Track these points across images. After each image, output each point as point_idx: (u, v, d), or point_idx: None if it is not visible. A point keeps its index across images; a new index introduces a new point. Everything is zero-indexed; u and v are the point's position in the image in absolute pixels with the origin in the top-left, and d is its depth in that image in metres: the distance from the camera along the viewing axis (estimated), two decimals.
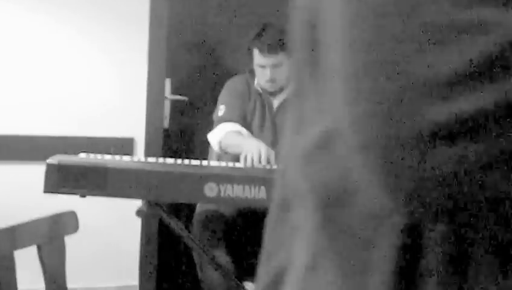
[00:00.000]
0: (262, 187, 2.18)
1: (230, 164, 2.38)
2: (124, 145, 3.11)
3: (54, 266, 1.55)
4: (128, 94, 3.14)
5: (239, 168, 2.33)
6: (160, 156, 2.91)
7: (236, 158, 2.57)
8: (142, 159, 2.44)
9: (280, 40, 2.57)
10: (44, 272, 1.53)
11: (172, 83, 3.34)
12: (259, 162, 2.29)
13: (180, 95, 3.35)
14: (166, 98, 3.28)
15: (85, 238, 3.05)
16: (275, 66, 2.59)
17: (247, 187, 2.18)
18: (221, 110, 2.71)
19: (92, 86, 3.10)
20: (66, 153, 2.53)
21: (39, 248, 1.50)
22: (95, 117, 3.11)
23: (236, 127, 2.62)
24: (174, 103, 3.37)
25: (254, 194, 2.18)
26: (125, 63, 3.11)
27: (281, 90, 2.69)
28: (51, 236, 1.54)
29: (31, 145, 2.99)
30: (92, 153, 2.51)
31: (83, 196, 2.21)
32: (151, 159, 2.42)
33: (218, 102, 2.78)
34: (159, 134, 3.17)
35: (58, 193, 2.21)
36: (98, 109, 3.11)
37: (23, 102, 3.00)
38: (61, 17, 2.99)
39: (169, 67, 3.22)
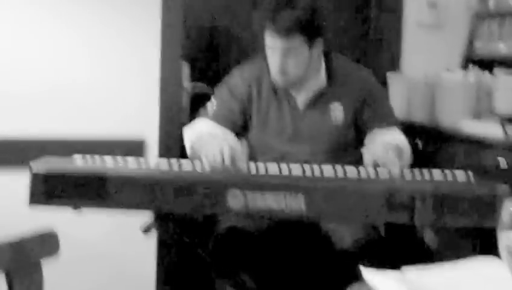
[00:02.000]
0: (300, 196, 1.88)
1: (261, 168, 1.96)
2: (132, 145, 2.79)
3: None
4: (137, 85, 2.84)
5: (271, 173, 2.00)
6: (177, 157, 2.49)
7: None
8: (151, 161, 2.06)
9: (297, 19, 2.17)
10: None
11: (191, 70, 3.08)
12: (222, 162, 2.00)
13: (201, 82, 3.11)
14: (183, 87, 3.01)
15: (86, 261, 2.75)
16: (287, 52, 2.21)
17: (280, 196, 1.89)
18: (212, 103, 2.41)
19: (92, 78, 2.81)
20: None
21: (7, 275, 1.37)
22: (95, 114, 2.81)
23: (216, 129, 2.32)
24: (195, 93, 3.14)
25: (289, 204, 1.89)
26: (133, 50, 2.83)
27: (300, 83, 2.29)
28: (23, 260, 1.40)
29: (17, 149, 2.71)
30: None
31: (77, 208, 1.95)
32: (162, 163, 2.03)
33: (216, 90, 2.47)
34: (175, 130, 2.85)
35: (46, 204, 1.95)
36: (100, 105, 2.82)
37: (8, 97, 2.73)
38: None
39: (187, 51, 3.01)
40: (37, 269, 1.42)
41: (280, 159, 2.29)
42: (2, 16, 2.70)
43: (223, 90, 2.41)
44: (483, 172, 2.30)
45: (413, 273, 1.10)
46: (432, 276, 1.09)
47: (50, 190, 1.91)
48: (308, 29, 2.20)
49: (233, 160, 2.01)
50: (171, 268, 2.94)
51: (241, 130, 2.36)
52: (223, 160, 2.00)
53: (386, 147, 2.08)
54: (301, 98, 2.35)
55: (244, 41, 3.17)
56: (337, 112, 2.33)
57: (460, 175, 2.02)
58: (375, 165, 2.00)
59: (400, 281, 1.09)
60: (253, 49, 2.67)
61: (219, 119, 2.34)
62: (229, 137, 2.24)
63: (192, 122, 2.42)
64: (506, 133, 2.38)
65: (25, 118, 2.74)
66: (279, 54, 2.22)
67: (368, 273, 1.12)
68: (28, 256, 1.41)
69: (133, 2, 2.80)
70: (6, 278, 1.37)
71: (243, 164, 2.05)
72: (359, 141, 2.31)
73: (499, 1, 3.13)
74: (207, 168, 2.02)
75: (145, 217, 2.02)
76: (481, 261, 1.18)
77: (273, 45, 2.23)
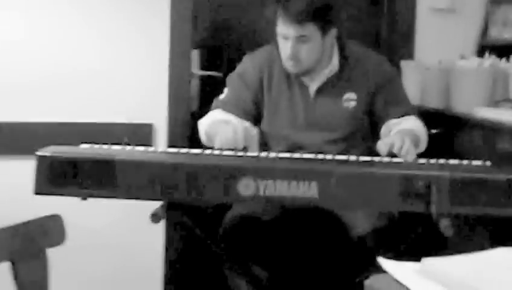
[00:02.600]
0: (313, 183, 1.83)
1: (272, 154, 1.92)
2: (140, 134, 2.74)
3: (34, 287, 1.38)
4: (146, 70, 2.80)
5: (283, 159, 1.94)
6: (186, 146, 2.46)
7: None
8: (160, 149, 2.02)
9: (311, 6, 2.13)
10: None
11: (201, 56, 3.02)
12: (235, 144, 1.99)
13: (212, 70, 3.00)
14: (193, 74, 2.97)
15: (94, 250, 2.72)
16: (299, 40, 2.17)
17: (293, 183, 1.84)
18: (224, 93, 2.38)
19: (102, 63, 2.77)
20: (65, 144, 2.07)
21: (13, 263, 1.34)
22: (103, 99, 2.77)
23: (230, 118, 2.27)
24: (204, 80, 3.06)
25: (302, 191, 1.83)
26: (143, 35, 2.80)
27: (312, 70, 2.24)
28: (28, 248, 1.37)
29: (22, 135, 2.67)
30: (97, 143, 2.04)
31: (84, 198, 1.91)
32: (172, 150, 1.99)
33: (227, 79, 2.43)
34: (184, 118, 2.83)
35: (52, 194, 1.91)
36: (107, 89, 2.78)
37: (14, 83, 2.71)
38: None
39: (197, 36, 2.94)
40: (42, 257, 1.40)
41: (292, 147, 2.26)
42: (13, 3, 2.67)
43: (234, 79, 2.37)
44: (500, 159, 2.26)
45: (433, 265, 1.06)
46: (453, 267, 1.05)
47: (56, 178, 1.86)
48: (322, 17, 2.15)
49: (246, 142, 1.98)
50: (179, 258, 2.91)
51: (254, 118, 2.32)
52: (236, 140, 1.96)
53: (401, 134, 2.03)
54: (313, 86, 2.30)
55: (255, 28, 3.13)
56: (350, 99, 2.28)
57: (477, 163, 1.98)
58: (391, 155, 1.96)
59: (420, 272, 1.05)
60: (264, 36, 2.62)
61: (232, 108, 2.31)
62: (243, 123, 2.20)
63: (206, 114, 2.39)
64: None
65: (33, 104, 2.71)
66: (291, 41, 2.17)
67: (388, 265, 1.08)
68: (33, 243, 1.38)
69: None
70: (11, 266, 1.35)
71: (254, 148, 2.02)
72: (374, 131, 2.26)
73: None
74: (220, 150, 1.98)
75: (153, 206, 1.98)
76: (503, 252, 1.14)
77: (285, 32, 2.18)
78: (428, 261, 1.07)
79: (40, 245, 1.39)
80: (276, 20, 2.20)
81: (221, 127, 2.09)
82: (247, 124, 2.24)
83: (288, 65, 2.24)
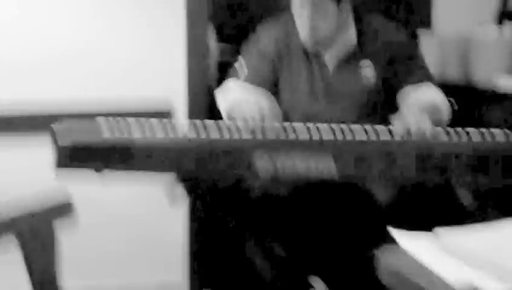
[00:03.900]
0: (329, 157, 1.84)
1: (289, 129, 1.90)
2: (160, 112, 2.73)
3: (40, 260, 1.40)
4: (163, 45, 2.78)
5: (298, 135, 1.93)
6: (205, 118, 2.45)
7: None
8: (178, 125, 2.04)
9: None
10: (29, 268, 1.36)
11: (217, 30, 2.90)
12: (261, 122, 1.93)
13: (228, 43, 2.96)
14: (210, 48, 2.90)
15: (114, 227, 2.74)
16: (316, 8, 2.15)
17: (309, 158, 1.84)
18: (242, 66, 2.33)
19: (116, 42, 2.74)
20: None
21: (19, 237, 1.36)
22: (120, 80, 2.75)
23: (249, 92, 2.24)
24: (222, 55, 3.04)
25: (319, 166, 1.84)
26: (158, 8, 2.75)
27: (329, 42, 2.22)
28: (35, 222, 1.38)
29: (43, 117, 2.65)
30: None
31: (99, 170, 1.87)
32: (189, 127, 2.01)
33: (242, 52, 2.38)
34: (203, 94, 2.81)
35: (70, 167, 1.84)
36: (126, 70, 2.76)
37: (30, 62, 2.70)
38: None
39: (212, 12, 2.90)
40: (49, 229, 1.40)
41: (311, 119, 2.24)
42: None
43: (251, 50, 2.34)
44: None
45: (446, 235, 1.04)
46: (466, 237, 1.04)
47: (74, 153, 1.83)
48: None
49: (270, 119, 1.95)
50: (202, 234, 2.92)
51: (274, 88, 2.30)
52: (262, 120, 1.93)
53: (417, 110, 1.99)
54: (331, 57, 2.28)
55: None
56: (368, 70, 2.26)
57: (498, 133, 1.94)
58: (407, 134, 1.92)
59: (433, 242, 1.04)
60: (278, 6, 2.59)
61: (251, 79, 2.27)
62: (264, 99, 2.18)
63: (223, 84, 2.37)
64: None
65: (50, 86, 2.72)
66: (307, 10, 2.15)
67: (399, 235, 1.07)
68: (39, 218, 1.39)
69: None
70: (18, 240, 1.36)
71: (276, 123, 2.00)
72: (392, 101, 2.23)
73: None
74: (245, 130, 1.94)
75: (172, 186, 1.98)
76: None
77: (299, 7, 2.16)
78: (441, 231, 1.06)
79: (47, 217, 1.40)
80: None
81: (245, 110, 2.03)
82: (268, 95, 2.22)
83: (307, 37, 2.22)
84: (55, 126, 1.87)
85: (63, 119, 1.95)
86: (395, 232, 1.07)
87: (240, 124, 1.94)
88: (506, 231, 1.08)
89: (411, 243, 1.04)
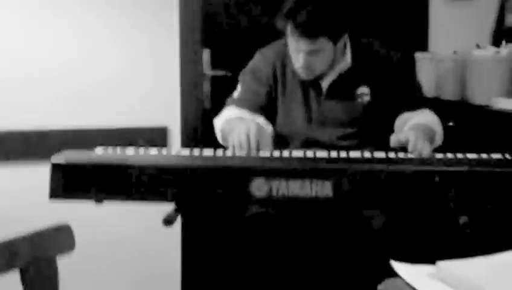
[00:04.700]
0: (327, 183, 1.79)
1: (285, 153, 1.89)
2: (156, 136, 2.74)
3: None
4: (158, 74, 2.80)
5: (296, 159, 1.93)
6: (200, 147, 2.44)
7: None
8: (174, 151, 2.01)
9: (321, 20, 2.07)
10: None
11: (212, 56, 2.97)
12: (248, 142, 1.94)
13: (223, 69, 2.98)
14: (205, 74, 2.95)
15: (112, 252, 2.72)
16: (311, 53, 2.14)
17: (307, 183, 1.81)
18: (237, 90, 2.36)
19: (111, 67, 2.70)
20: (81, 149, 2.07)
21: (22, 272, 1.34)
22: (117, 104, 2.78)
23: (244, 114, 2.23)
24: (215, 80, 3.07)
25: (316, 191, 1.80)
26: (151, 35, 2.76)
27: (324, 74, 2.24)
28: (38, 257, 1.37)
29: (38, 141, 2.68)
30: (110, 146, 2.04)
31: (99, 201, 1.89)
32: (184, 152, 1.97)
33: (240, 76, 2.40)
34: (198, 119, 2.83)
35: (67, 198, 1.90)
36: (122, 94, 2.78)
37: (28, 90, 2.71)
38: None
39: (208, 36, 2.92)
40: (52, 266, 1.39)
41: (307, 143, 2.23)
42: (34, 18, 2.67)
43: (247, 75, 2.35)
44: None
45: (448, 268, 1.03)
46: (469, 270, 1.02)
47: (71, 181, 1.85)
48: (333, 30, 2.11)
49: (260, 139, 1.95)
50: (196, 260, 2.90)
51: (269, 114, 2.30)
52: (249, 141, 1.94)
53: (415, 130, 1.99)
54: (326, 81, 2.28)
55: (266, 25, 3.10)
56: (363, 93, 2.25)
57: (496, 156, 1.93)
58: (405, 150, 1.92)
59: (435, 276, 1.03)
60: (275, 33, 2.60)
61: (247, 104, 2.28)
62: (257, 119, 2.18)
63: (221, 111, 2.37)
64: None
65: (48, 111, 2.70)
66: (303, 54, 2.14)
67: (401, 269, 1.05)
68: (43, 252, 1.38)
69: None
70: (21, 275, 1.34)
71: (268, 146, 1.99)
72: (388, 125, 2.22)
73: None
74: (233, 150, 1.96)
75: (167, 208, 1.97)
76: None
77: (296, 47, 2.15)
78: (443, 265, 1.04)
79: (50, 253, 1.39)
80: (287, 32, 2.17)
81: (235, 125, 2.07)
82: (262, 119, 2.22)
83: (301, 73, 2.21)
84: (54, 157, 1.87)
85: (61, 150, 1.95)
86: (396, 266, 1.05)
87: (237, 150, 1.94)
88: (509, 264, 1.07)
89: (414, 277, 1.02)
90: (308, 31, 2.08)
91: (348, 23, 2.18)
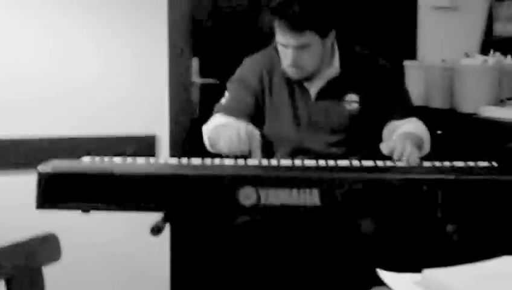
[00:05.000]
0: (315, 191, 1.79)
1: (273, 162, 1.90)
2: (144, 145, 2.73)
3: None
4: (146, 81, 2.79)
5: (284, 167, 1.94)
6: (189, 155, 2.43)
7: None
8: (161, 160, 2.02)
9: (308, 16, 2.09)
10: None
11: (201, 64, 2.93)
12: (238, 147, 1.96)
13: (212, 77, 3.00)
14: (193, 82, 2.99)
15: (99, 259, 2.71)
16: (300, 48, 2.15)
17: (295, 191, 1.80)
18: (225, 97, 2.36)
19: (100, 75, 2.71)
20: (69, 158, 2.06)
21: (8, 282, 1.33)
22: (105, 112, 2.76)
23: (231, 120, 2.23)
24: (204, 88, 3.11)
25: (304, 200, 1.80)
26: (140, 45, 2.74)
27: (312, 75, 2.22)
28: (24, 267, 1.37)
29: (24, 150, 2.65)
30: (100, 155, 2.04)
31: (86, 211, 1.87)
32: (172, 161, 1.96)
33: (228, 84, 2.41)
34: (186, 127, 2.82)
35: (54, 208, 1.87)
36: (110, 102, 2.77)
37: (13, 98, 2.68)
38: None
39: (196, 44, 2.94)
40: (38, 276, 1.38)
41: (295, 150, 2.24)
42: (17, 22, 2.66)
43: (235, 83, 2.35)
44: (507, 159, 2.22)
45: (434, 276, 1.03)
46: (455, 278, 1.02)
47: (57, 191, 1.84)
48: (320, 23, 2.13)
49: (250, 142, 1.96)
50: (186, 268, 2.89)
51: (256, 121, 2.30)
52: (240, 144, 1.94)
53: (403, 138, 2.00)
54: (314, 87, 2.28)
55: (254, 32, 3.11)
56: (351, 101, 2.26)
57: (483, 164, 1.93)
58: (392, 158, 1.93)
59: (421, 284, 1.02)
60: (263, 40, 2.60)
61: (234, 111, 2.28)
62: (245, 124, 2.18)
63: (209, 119, 2.37)
64: None
65: (36, 119, 2.69)
66: (291, 50, 2.15)
67: (387, 277, 1.05)
68: (29, 262, 1.36)
69: (142, 2, 2.74)
70: (7, 285, 1.33)
71: (258, 148, 1.99)
72: (376, 133, 2.23)
73: None
74: (221, 157, 1.96)
75: (155, 217, 1.96)
76: (507, 261, 1.11)
77: (284, 41, 2.16)
78: (429, 273, 1.04)
79: (36, 263, 1.38)
80: (274, 30, 2.18)
81: (224, 130, 2.07)
82: (250, 125, 2.22)
83: (290, 72, 2.22)
84: (41, 167, 1.86)
85: (48, 160, 1.94)
86: (382, 274, 1.05)
87: (228, 148, 1.95)
88: (496, 270, 1.07)
89: (399, 285, 1.02)
90: (295, 24, 2.09)
91: (335, 18, 2.19)
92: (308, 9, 2.10)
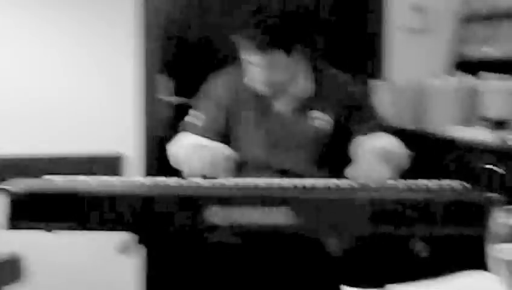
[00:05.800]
0: (283, 209, 1.78)
1: (241, 181, 1.88)
2: (110, 164, 2.69)
3: None
4: (113, 100, 2.79)
5: (252, 186, 1.92)
6: (156, 174, 2.41)
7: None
8: (126, 179, 1.98)
9: (274, 34, 2.10)
10: None
11: (171, 83, 3.00)
12: (214, 170, 1.95)
13: (181, 96, 3.00)
14: (161, 100, 2.90)
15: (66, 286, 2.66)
16: (267, 66, 2.15)
17: (262, 210, 1.79)
18: (194, 116, 2.33)
19: (67, 93, 2.63)
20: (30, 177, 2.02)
21: None
22: (70, 130, 2.72)
23: (204, 141, 2.22)
24: (173, 107, 3.04)
25: (273, 218, 1.79)
26: (108, 64, 2.68)
27: (280, 93, 2.24)
28: None
29: None
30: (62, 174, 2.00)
31: (49, 231, 1.83)
32: (137, 180, 1.96)
33: (196, 102, 2.39)
34: (154, 146, 2.80)
35: (16, 228, 1.83)
36: (75, 121, 2.68)
37: None
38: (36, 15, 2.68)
39: (166, 64, 2.92)
40: None
41: (263, 168, 2.23)
42: None
43: (204, 101, 2.34)
44: (474, 179, 2.23)
45: None
46: None
47: (19, 210, 1.80)
48: (287, 42, 2.14)
49: (214, 167, 1.94)
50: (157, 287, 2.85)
51: (228, 139, 2.29)
52: (217, 166, 1.93)
53: (373, 154, 1.99)
54: (283, 105, 2.28)
55: (224, 51, 3.10)
56: (320, 119, 2.27)
57: (450, 183, 1.94)
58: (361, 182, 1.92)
59: None
60: (232, 59, 2.61)
61: (209, 132, 2.27)
62: (213, 145, 2.16)
63: (175, 138, 2.35)
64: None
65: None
66: (259, 68, 2.16)
67: None
68: None
69: (110, 19, 2.73)
70: None
71: (225, 171, 1.98)
72: (344, 150, 2.23)
73: (485, 4, 3.08)
74: (187, 177, 1.94)
75: (122, 236, 1.93)
76: (471, 276, 1.10)
77: (251, 60, 2.16)
78: (390, 288, 1.02)
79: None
80: (241, 48, 2.18)
81: (202, 151, 2.05)
82: (228, 149, 2.21)
83: (261, 89, 2.22)
84: (1, 185, 1.82)
85: (9, 178, 1.90)
86: (346, 289, 1.04)
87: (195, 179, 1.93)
88: (462, 286, 1.06)
89: None
90: (261, 45, 2.10)
91: (301, 37, 2.20)
92: (273, 28, 2.10)
